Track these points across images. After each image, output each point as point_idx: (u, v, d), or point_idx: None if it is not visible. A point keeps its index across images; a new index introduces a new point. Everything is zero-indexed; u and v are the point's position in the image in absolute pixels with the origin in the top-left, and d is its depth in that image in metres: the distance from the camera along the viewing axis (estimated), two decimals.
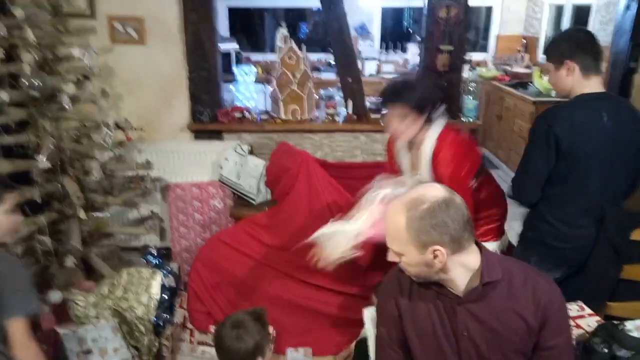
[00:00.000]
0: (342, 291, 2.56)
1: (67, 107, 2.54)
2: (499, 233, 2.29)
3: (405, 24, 5.43)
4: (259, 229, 2.78)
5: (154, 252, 3.09)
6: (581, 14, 5.66)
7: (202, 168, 3.40)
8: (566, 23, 5.87)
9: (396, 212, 1.25)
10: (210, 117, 3.38)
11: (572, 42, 1.89)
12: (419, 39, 3.35)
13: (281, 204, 2.78)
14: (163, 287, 2.71)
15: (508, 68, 6.46)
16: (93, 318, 2.42)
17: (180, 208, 3.39)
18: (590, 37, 1.90)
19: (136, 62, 3.25)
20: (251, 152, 3.36)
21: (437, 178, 2.02)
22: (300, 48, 3.31)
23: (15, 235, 1.83)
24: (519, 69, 6.32)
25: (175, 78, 3.31)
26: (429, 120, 2.05)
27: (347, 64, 3.38)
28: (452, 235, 1.21)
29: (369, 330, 1.64)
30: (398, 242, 1.25)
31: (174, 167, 3.39)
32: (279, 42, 3.32)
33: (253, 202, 3.18)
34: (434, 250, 1.21)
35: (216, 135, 3.43)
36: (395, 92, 2.07)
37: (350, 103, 3.38)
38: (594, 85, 1.89)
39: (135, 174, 3.05)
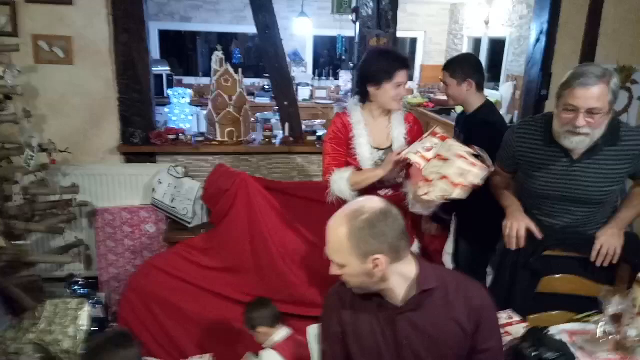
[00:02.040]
0: (287, 312, 2.53)
1: None
2: None
3: (338, 51, 5.62)
4: (195, 252, 2.71)
5: (80, 281, 2.91)
6: (496, 46, 6.14)
7: (134, 191, 3.29)
8: (484, 54, 6.33)
9: (338, 223, 1.29)
10: (142, 139, 3.29)
11: (472, 65, 2.46)
12: (351, 65, 3.47)
13: (219, 226, 2.73)
14: (91, 319, 2.55)
15: (432, 95, 6.84)
16: (12, 355, 2.23)
17: (108, 234, 3.23)
18: (480, 62, 2.56)
19: (63, 82, 3.11)
20: (186, 175, 3.29)
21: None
22: (235, 72, 3.32)
23: None
24: (442, 97, 6.70)
25: (105, 99, 3.20)
26: None
27: (283, 87, 3.43)
28: (390, 244, 1.27)
29: (313, 349, 1.64)
30: (340, 253, 1.29)
31: (102, 191, 3.25)
32: (214, 65, 3.32)
33: (188, 225, 3.10)
34: (374, 259, 1.26)
35: (149, 157, 3.33)
36: (405, 59, 2.17)
37: (287, 126, 3.42)
38: (483, 97, 2.49)
39: (60, 198, 2.88)
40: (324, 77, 7.18)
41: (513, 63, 5.58)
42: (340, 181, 2.14)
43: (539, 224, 1.93)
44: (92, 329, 2.57)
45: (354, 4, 3.34)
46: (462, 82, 2.42)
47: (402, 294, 1.33)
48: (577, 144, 1.73)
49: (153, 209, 3.23)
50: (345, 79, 7.02)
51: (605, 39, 3.38)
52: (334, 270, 1.33)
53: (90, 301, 2.72)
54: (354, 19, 3.39)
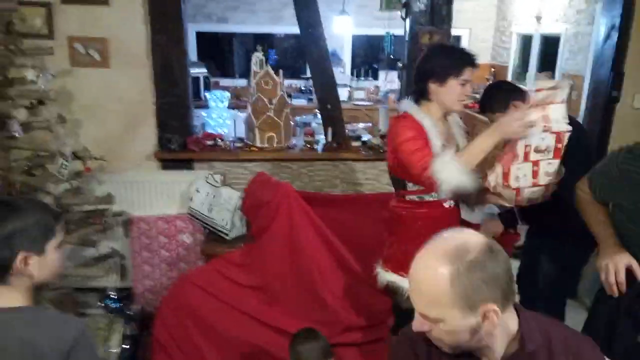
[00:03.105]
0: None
1: (17, 134, 2.26)
2: None
3: (387, 50, 5.36)
4: (233, 267, 2.53)
5: (114, 294, 2.78)
6: (549, 43, 5.75)
7: (170, 200, 3.13)
8: (535, 52, 5.95)
9: (434, 266, 1.00)
10: (179, 145, 3.13)
11: (505, 90, 2.20)
12: (399, 65, 3.24)
13: (259, 241, 2.54)
14: (124, 337, 2.41)
15: (477, 96, 6.49)
16: None
17: (144, 244, 3.10)
18: (505, 81, 2.29)
19: (98, 86, 2.99)
20: (224, 183, 3.12)
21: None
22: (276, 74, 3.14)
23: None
24: None
25: (141, 103, 3.06)
26: None
27: (326, 90, 3.22)
28: (503, 289, 1.00)
29: None
30: (437, 305, 0.99)
31: (138, 199, 3.11)
32: (254, 66, 3.14)
33: (226, 237, 2.92)
34: (486, 312, 0.99)
35: (186, 164, 3.18)
36: (474, 56, 1.94)
37: (329, 130, 3.20)
38: None
39: (94, 208, 2.75)
40: (362, 78, 6.95)
41: (569, 62, 5.19)
42: (449, 165, 1.79)
43: None
44: (124, 346, 2.43)
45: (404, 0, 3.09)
46: (507, 110, 2.05)
47: (501, 353, 1.07)
48: None
49: (190, 218, 3.07)
50: (386, 80, 6.76)
51: None
52: (420, 327, 1.04)
53: (124, 317, 2.59)
54: (404, 15, 3.14)
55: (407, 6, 3.07)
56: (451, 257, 0.99)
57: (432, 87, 1.91)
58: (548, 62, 5.67)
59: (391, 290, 2.13)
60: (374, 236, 2.31)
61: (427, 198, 2.00)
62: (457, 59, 1.89)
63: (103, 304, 2.71)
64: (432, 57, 1.94)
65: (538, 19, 5.87)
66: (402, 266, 1.85)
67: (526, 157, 1.83)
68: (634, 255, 1.59)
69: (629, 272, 1.57)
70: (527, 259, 2.38)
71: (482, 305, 0.98)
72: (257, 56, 3.15)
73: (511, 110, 2.03)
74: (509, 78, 6.43)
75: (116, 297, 2.76)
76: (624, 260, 1.56)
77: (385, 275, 2.10)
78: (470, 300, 0.97)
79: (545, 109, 1.79)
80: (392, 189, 2.13)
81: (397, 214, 2.08)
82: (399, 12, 3.20)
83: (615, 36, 3.09)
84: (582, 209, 1.77)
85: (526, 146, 1.82)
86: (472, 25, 6.99)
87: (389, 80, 6.73)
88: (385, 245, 2.14)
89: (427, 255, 1.03)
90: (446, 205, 2.03)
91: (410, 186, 2.01)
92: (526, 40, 6.35)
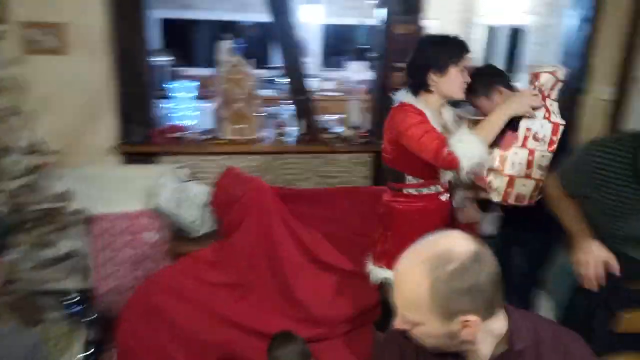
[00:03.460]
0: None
1: None
2: None
3: (358, 40, 5.29)
4: (204, 266, 2.42)
5: (75, 297, 2.62)
6: (515, 35, 5.81)
7: (134, 196, 2.97)
8: (501, 43, 6.01)
9: (415, 271, 0.98)
10: (143, 137, 2.98)
11: (488, 73, 2.14)
12: (373, 56, 3.17)
13: (230, 238, 2.44)
14: (87, 342, 2.27)
15: None
16: None
17: (106, 243, 2.93)
18: (490, 65, 2.28)
19: (55, 75, 2.79)
20: (191, 177, 2.99)
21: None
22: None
23: None
24: None
25: (101, 93, 2.89)
26: None
27: (298, 80, 3.12)
28: (485, 299, 0.96)
29: None
30: (416, 309, 0.98)
31: (99, 195, 2.92)
32: (223, 55, 3.00)
33: (195, 234, 2.80)
34: (464, 321, 0.96)
35: (150, 158, 3.03)
36: (466, 42, 1.95)
37: (302, 122, 3.11)
38: None
39: (52, 206, 2.57)
40: (331, 68, 6.86)
41: (536, 53, 5.26)
42: (469, 139, 1.79)
43: (619, 256, 1.59)
44: (88, 353, 2.30)
45: None
46: (491, 94, 2.10)
47: (487, 355, 1.04)
48: None
49: (155, 214, 2.92)
50: (355, 70, 6.69)
51: None
52: (401, 324, 1.02)
53: (87, 321, 2.44)
54: (378, 4, 3.06)
55: None
56: (433, 264, 0.96)
57: (433, 77, 1.89)
58: (515, 54, 5.74)
59: (385, 287, 2.08)
60: (354, 230, 2.26)
61: (425, 191, 1.99)
62: (454, 47, 1.89)
63: (63, 308, 2.55)
64: (428, 49, 1.91)
65: (504, 10, 5.92)
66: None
67: (524, 143, 1.87)
68: (606, 246, 1.60)
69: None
70: (498, 251, 2.37)
71: (461, 315, 0.95)
72: (226, 45, 3.02)
73: (495, 94, 2.04)
74: None
75: (77, 299, 2.61)
76: (602, 255, 1.57)
77: (379, 272, 2.05)
78: (449, 310, 0.96)
79: (545, 100, 1.85)
80: (364, 182, 2.08)
81: (392, 207, 2.03)
82: (371, 1, 3.12)
83: (586, 28, 3.11)
84: (553, 205, 1.77)
85: (527, 129, 1.87)
86: (439, 16, 6.99)
87: (358, 71, 6.67)
88: (379, 240, 2.09)
89: (411, 258, 1.00)
90: (442, 198, 2.03)
91: (409, 179, 1.98)
92: (492, 32, 6.40)
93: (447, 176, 2.02)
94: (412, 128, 1.85)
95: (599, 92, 3.24)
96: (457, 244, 0.99)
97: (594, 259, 1.56)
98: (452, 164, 1.80)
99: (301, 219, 2.40)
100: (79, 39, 2.77)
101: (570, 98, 3.30)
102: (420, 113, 1.90)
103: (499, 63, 5.98)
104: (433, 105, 1.96)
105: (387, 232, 2.07)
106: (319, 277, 2.41)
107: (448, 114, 2.06)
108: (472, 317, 0.96)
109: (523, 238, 2.22)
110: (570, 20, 3.26)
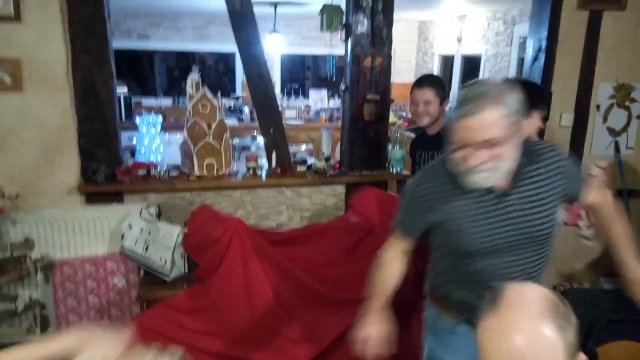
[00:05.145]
0: None
1: None
2: None
3: (328, 72, 5.32)
4: (178, 314, 2.27)
5: None
6: (471, 64, 6.02)
7: (98, 239, 2.81)
8: (456, 71, 6.21)
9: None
10: (106, 176, 2.82)
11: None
12: (342, 87, 3.16)
13: (207, 282, 2.31)
14: None
15: (403, 114, 6.65)
16: None
17: (68, 291, 2.74)
18: None
19: (10, 113, 2.62)
20: (159, 216, 2.85)
21: None
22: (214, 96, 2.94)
23: None
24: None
25: (61, 130, 2.72)
26: None
27: (268, 112, 3.06)
28: None
29: None
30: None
31: (60, 239, 2.75)
32: (189, 89, 2.92)
33: (166, 278, 2.65)
34: None
35: (115, 197, 2.86)
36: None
37: (273, 155, 3.05)
38: None
39: (10, 255, 2.38)
40: (292, 97, 6.87)
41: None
42: None
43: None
44: None
45: (344, 20, 3.03)
46: (443, 100, 2.48)
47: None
48: (483, 180, 1.36)
49: (122, 258, 2.76)
50: (316, 98, 6.73)
51: (604, 56, 3.24)
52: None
53: None
54: (343, 38, 3.08)
55: (348, 28, 3.01)
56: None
57: None
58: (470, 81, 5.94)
59: None
60: (344, 266, 2.19)
61: None
62: None
63: None
64: None
65: (459, 40, 6.13)
66: None
67: None
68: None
69: None
70: None
71: None
72: (193, 78, 2.94)
73: (445, 103, 2.52)
74: None
75: None
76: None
77: None
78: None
79: None
80: (338, 213, 2.03)
81: None
82: (333, 34, 3.12)
83: (542, 57, 3.23)
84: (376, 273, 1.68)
85: None
86: (395, 46, 7.18)
87: (319, 99, 6.72)
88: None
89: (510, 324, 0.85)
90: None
91: None
92: (447, 61, 6.61)
93: None
94: None
95: (559, 119, 3.36)
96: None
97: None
98: None
99: (291, 262, 2.29)
100: (37, 75, 2.62)
101: None
102: None
103: (455, 89, 6.16)
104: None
105: None
106: (315, 309, 2.29)
107: None
108: None
109: None
110: (527, 50, 3.39)
